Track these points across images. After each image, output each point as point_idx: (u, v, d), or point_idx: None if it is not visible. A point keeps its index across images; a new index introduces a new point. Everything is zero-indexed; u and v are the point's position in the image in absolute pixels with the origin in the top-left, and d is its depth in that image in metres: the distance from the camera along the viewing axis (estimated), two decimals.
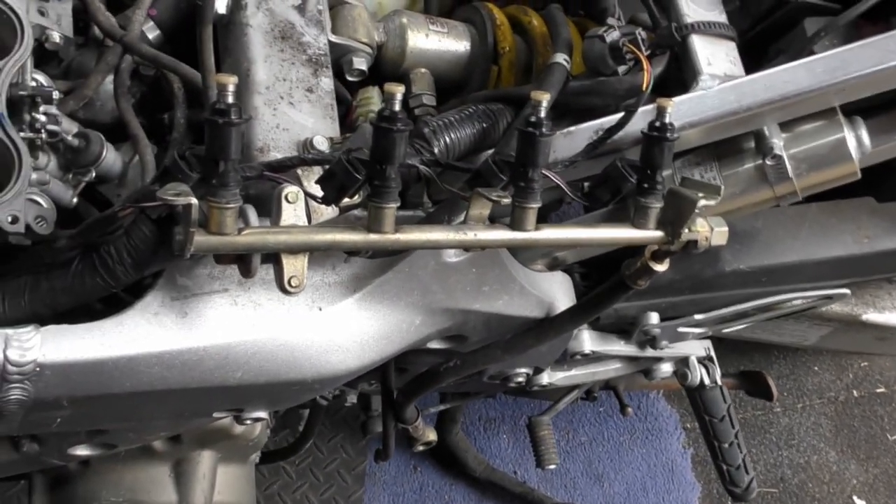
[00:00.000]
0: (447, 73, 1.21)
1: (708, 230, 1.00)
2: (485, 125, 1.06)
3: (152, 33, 1.11)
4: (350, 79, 1.14)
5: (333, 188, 0.86)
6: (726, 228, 1.01)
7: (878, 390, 2.33)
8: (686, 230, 0.99)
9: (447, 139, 1.03)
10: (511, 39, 1.21)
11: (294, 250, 0.85)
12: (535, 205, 0.92)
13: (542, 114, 0.89)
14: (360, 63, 1.13)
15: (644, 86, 0.99)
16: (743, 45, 1.09)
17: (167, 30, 1.11)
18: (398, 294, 1.04)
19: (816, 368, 2.35)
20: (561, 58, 1.05)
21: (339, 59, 1.13)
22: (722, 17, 1.08)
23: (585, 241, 0.97)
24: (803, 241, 1.32)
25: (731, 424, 1.47)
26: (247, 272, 0.87)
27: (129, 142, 1.04)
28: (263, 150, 0.99)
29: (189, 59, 1.05)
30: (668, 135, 0.94)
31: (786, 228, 1.32)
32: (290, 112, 1.02)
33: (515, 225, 0.93)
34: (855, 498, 2.18)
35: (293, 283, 0.86)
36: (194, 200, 0.77)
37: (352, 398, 1.54)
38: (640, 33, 1.04)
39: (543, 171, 0.98)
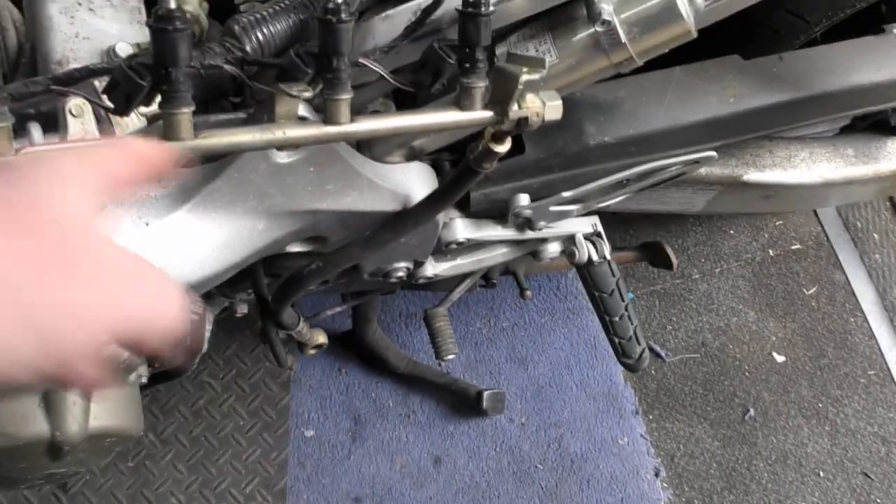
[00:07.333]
0: None
1: (540, 105, 0.97)
2: (302, 17, 1.01)
3: None
4: None
5: (121, 98, 0.82)
6: (560, 102, 0.98)
7: (794, 247, 2.35)
8: (515, 107, 0.95)
9: (260, 35, 0.98)
10: None
11: None
12: (346, 95, 0.88)
13: None
14: None
15: None
16: None
17: None
18: (232, 201, 1.01)
19: (732, 232, 2.36)
20: None
21: None
22: None
23: (406, 128, 0.93)
24: (668, 107, 1.28)
25: (620, 298, 1.46)
26: None
27: None
28: (62, 62, 0.94)
29: None
30: (483, 9, 0.90)
31: (649, 95, 1.28)
32: (90, 20, 0.97)
33: (329, 119, 0.89)
34: (774, 354, 2.22)
35: None
36: None
37: (242, 309, 1.51)
38: None
39: (361, 60, 0.94)
